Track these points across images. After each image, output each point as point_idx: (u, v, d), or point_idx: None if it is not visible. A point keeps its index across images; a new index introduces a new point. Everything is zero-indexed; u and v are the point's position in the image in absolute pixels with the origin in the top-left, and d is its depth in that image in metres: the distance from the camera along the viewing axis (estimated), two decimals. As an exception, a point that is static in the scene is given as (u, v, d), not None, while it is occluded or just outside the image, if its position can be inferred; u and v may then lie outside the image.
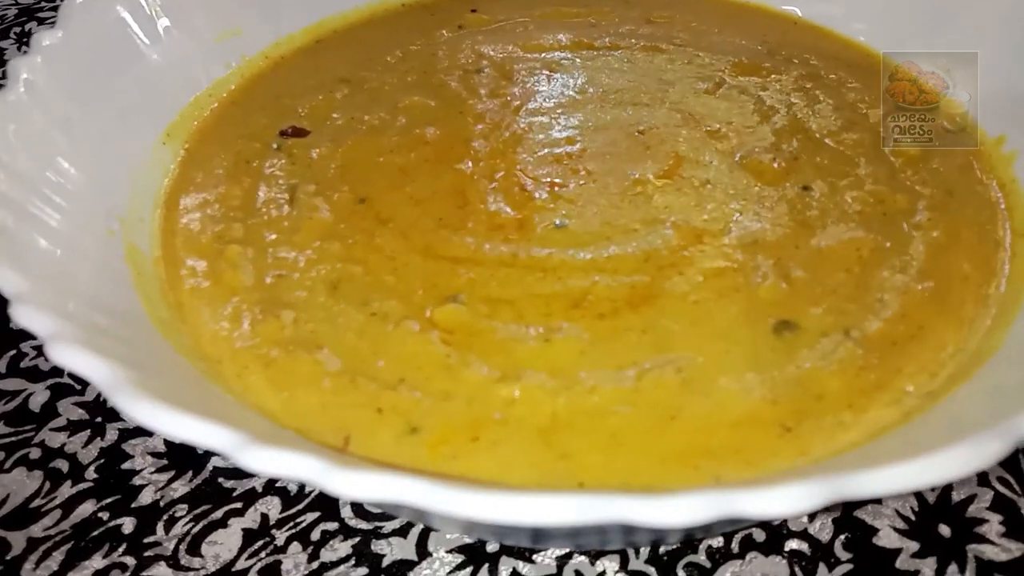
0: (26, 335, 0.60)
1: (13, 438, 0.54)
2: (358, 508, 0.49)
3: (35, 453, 0.53)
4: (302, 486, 0.50)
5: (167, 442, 0.53)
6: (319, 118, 0.59)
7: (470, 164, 0.55)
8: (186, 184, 0.54)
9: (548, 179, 0.53)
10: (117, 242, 0.46)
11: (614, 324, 0.44)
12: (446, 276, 0.47)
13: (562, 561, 0.46)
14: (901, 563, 0.45)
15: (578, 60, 0.64)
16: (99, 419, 0.55)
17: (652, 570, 0.45)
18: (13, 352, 0.60)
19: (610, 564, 0.46)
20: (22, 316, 0.32)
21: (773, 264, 0.47)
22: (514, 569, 0.45)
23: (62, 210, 0.43)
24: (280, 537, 0.48)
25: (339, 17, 0.69)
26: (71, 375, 0.58)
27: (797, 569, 0.45)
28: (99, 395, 0.56)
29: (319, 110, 0.60)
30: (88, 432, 0.54)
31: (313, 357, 0.43)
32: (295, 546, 0.47)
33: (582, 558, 0.45)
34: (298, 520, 0.49)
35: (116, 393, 0.29)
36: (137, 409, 0.28)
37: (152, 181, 0.53)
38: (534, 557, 0.46)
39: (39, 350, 0.60)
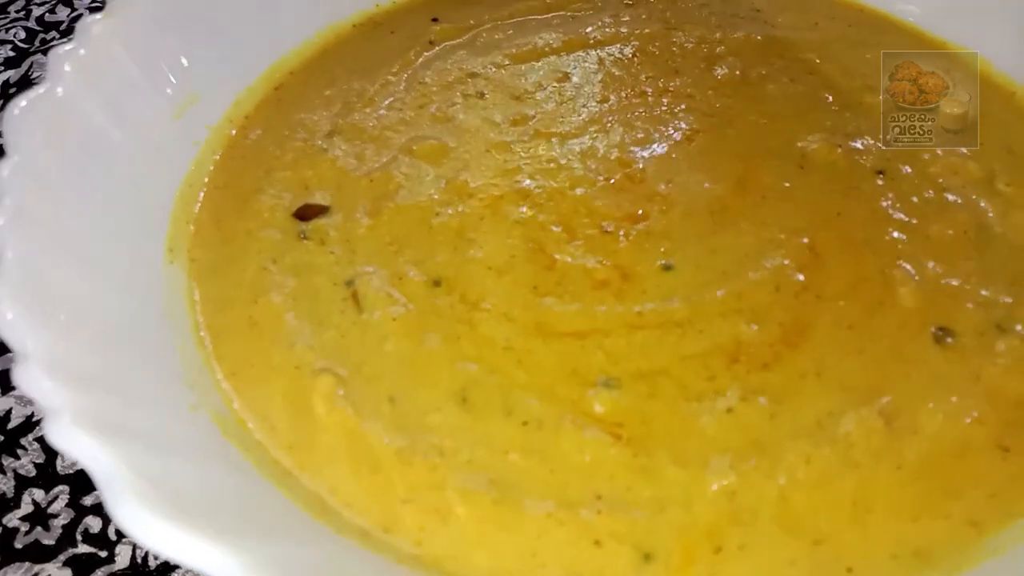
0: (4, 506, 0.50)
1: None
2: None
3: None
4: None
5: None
6: (331, 186, 0.51)
7: (530, 211, 0.49)
8: (218, 309, 0.45)
9: (623, 213, 0.49)
10: (203, 419, 0.37)
11: (785, 373, 0.41)
12: (579, 356, 0.42)
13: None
14: None
15: (579, 63, 0.59)
16: (151, 583, 0.46)
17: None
18: (-1, 531, 0.49)
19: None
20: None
21: (897, 266, 0.45)
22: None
23: (152, 405, 0.34)
24: None
25: (292, 56, 0.59)
26: (86, 540, 0.48)
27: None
28: (135, 556, 0.47)
29: (325, 176, 0.51)
30: (146, 605, 0.45)
31: (490, 496, 0.37)
32: None
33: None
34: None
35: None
36: None
37: (181, 318, 0.44)
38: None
39: (30, 520, 0.49)
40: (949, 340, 0.42)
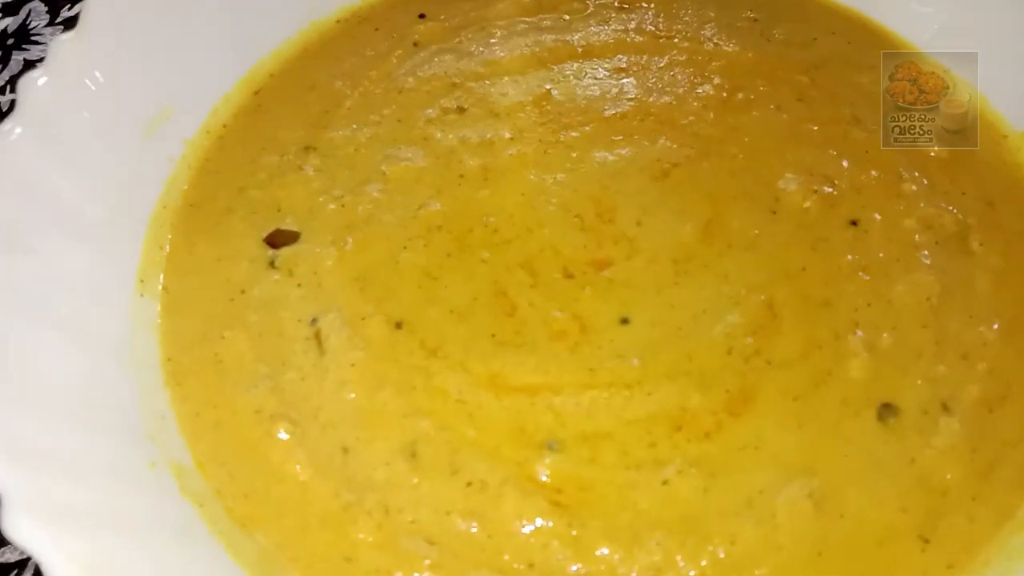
0: None
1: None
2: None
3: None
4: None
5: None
6: (302, 210, 0.51)
7: (496, 250, 0.49)
8: (186, 346, 0.46)
9: (589, 256, 0.49)
10: (162, 476, 0.39)
11: (724, 445, 0.42)
12: (529, 414, 0.44)
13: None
14: None
15: (563, 77, 0.57)
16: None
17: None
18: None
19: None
20: None
21: (853, 333, 0.45)
22: None
23: (110, 472, 0.36)
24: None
25: (272, 57, 0.58)
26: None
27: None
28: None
29: (297, 198, 0.52)
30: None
31: (429, 559, 0.39)
32: None
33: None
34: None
35: None
36: None
37: (149, 356, 0.45)
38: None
39: None
40: (892, 420, 0.43)
